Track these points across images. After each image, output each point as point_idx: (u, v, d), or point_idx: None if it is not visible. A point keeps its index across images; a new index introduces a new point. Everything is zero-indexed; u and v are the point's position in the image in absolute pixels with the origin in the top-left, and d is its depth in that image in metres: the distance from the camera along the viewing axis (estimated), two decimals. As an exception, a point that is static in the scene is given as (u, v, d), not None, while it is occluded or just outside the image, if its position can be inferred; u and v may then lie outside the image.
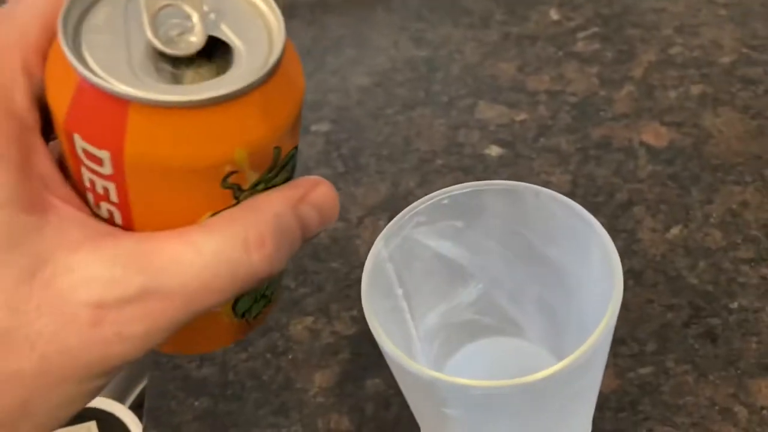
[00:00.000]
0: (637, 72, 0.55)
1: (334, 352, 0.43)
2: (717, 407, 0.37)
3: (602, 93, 0.54)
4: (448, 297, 0.30)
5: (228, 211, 0.18)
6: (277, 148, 0.19)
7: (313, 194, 0.19)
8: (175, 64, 0.18)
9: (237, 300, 0.22)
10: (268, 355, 0.43)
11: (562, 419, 0.26)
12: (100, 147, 0.17)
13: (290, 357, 0.43)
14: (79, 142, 0.17)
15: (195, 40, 0.18)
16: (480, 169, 0.50)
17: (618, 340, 0.40)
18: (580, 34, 0.59)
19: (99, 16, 0.18)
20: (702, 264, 0.43)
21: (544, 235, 0.27)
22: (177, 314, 0.17)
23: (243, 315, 0.22)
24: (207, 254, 0.17)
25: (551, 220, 0.26)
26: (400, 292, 0.27)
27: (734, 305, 0.41)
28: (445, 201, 0.27)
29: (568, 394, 0.24)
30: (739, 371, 0.38)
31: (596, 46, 0.58)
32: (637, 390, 0.38)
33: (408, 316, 0.28)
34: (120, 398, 0.51)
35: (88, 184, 0.18)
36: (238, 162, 0.18)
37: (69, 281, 0.16)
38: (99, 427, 0.45)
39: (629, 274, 0.43)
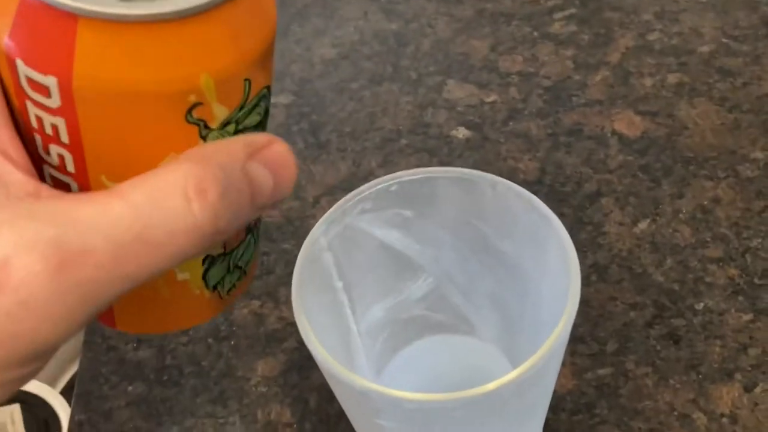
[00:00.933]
0: (614, 57, 0.53)
1: (279, 339, 0.40)
2: (676, 413, 0.35)
3: (576, 77, 0.52)
4: (395, 291, 0.28)
5: (165, 162, 0.16)
6: (248, 80, 0.16)
7: (265, 152, 0.16)
8: None
9: (207, 269, 0.19)
10: (210, 340, 0.41)
11: (510, 430, 0.24)
12: (45, 72, 0.14)
13: (233, 343, 0.41)
14: (23, 69, 0.15)
15: None
16: (445, 151, 0.48)
17: (577, 339, 0.38)
18: (557, 15, 0.57)
19: None
20: (669, 261, 0.41)
21: (500, 228, 0.25)
22: (103, 278, 0.14)
23: (215, 287, 0.20)
24: (139, 204, 0.14)
25: (508, 213, 0.23)
26: (339, 284, 0.25)
27: (699, 306, 0.39)
28: (394, 187, 0.24)
29: (517, 406, 0.22)
30: (700, 376, 0.36)
31: (573, 28, 0.55)
32: (595, 391, 0.36)
33: (348, 311, 0.26)
34: (50, 381, 0.48)
35: (35, 124, 0.16)
36: (203, 90, 0.15)
37: None
38: (24, 410, 0.42)
39: (593, 268, 0.41)
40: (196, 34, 0.15)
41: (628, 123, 0.48)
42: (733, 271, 0.40)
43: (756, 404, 0.35)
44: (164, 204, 0.14)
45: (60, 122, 0.15)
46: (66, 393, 0.46)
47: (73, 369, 0.51)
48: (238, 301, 0.42)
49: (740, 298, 0.39)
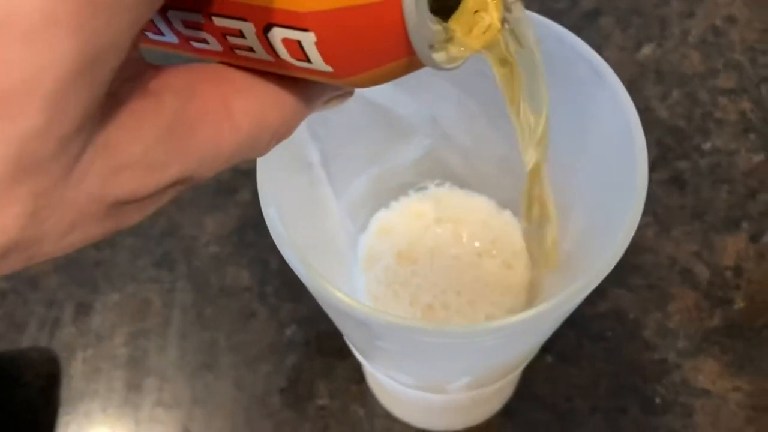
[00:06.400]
0: None
1: (230, 190, 0.35)
2: (677, 267, 0.32)
3: None
4: (383, 158, 0.22)
5: (272, 83, 0.15)
6: None
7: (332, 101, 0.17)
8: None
9: None
10: (147, 193, 0.35)
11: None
12: (326, 62, 0.14)
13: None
14: (307, 41, 0.14)
15: None
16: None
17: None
18: None
19: None
20: (675, 93, 0.36)
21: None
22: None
23: None
24: (243, 132, 0.14)
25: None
26: (316, 158, 0.19)
27: (707, 146, 0.35)
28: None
29: (537, 336, 0.17)
30: (705, 225, 0.33)
31: None
32: (590, 245, 0.33)
33: (328, 190, 0.20)
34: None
35: (236, 40, 0.14)
36: None
37: (102, 171, 0.12)
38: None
39: (590, 103, 0.36)
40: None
41: None
42: (745, 105, 0.35)
43: (762, 255, 0.32)
44: (259, 138, 0.15)
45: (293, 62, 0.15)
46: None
47: None
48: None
49: (752, 136, 0.35)
